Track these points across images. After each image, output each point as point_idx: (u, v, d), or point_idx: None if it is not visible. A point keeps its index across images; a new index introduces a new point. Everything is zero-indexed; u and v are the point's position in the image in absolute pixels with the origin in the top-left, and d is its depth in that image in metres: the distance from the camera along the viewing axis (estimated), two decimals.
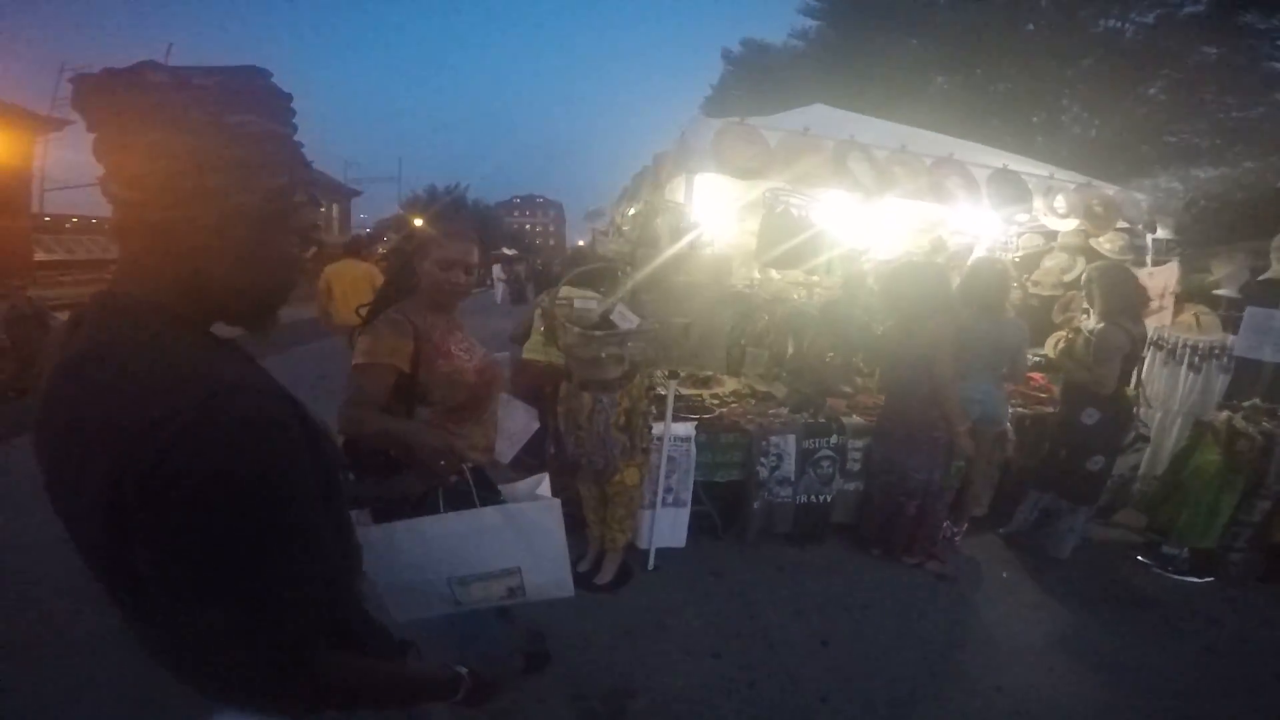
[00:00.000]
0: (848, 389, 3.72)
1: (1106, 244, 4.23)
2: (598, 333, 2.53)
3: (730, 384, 4.19)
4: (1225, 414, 3.25)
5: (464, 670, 1.06)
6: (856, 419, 3.57)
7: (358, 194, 37.83)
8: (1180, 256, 4.01)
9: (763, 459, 3.35)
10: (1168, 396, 3.83)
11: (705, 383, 4.16)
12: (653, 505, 3.20)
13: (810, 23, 19.70)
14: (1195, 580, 3.35)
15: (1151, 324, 4.01)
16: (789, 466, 3.40)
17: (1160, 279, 4.05)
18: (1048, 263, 4.56)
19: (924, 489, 3.27)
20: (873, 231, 5.33)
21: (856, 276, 4.23)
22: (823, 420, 3.49)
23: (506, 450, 2.21)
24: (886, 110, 12.87)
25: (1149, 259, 4.16)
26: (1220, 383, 3.64)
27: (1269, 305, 3.43)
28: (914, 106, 13.01)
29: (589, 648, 2.71)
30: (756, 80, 18.69)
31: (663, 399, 2.93)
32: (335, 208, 34.42)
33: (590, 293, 2.95)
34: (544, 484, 1.67)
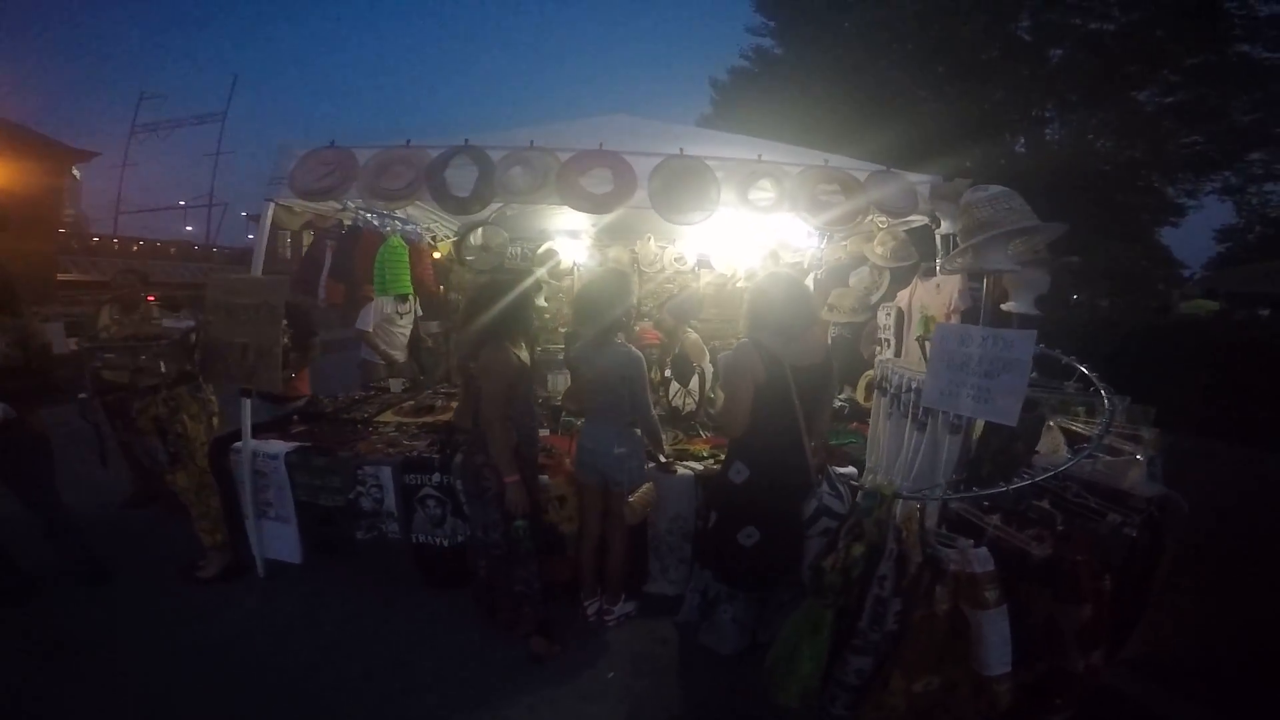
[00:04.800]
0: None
1: (878, 248, 2.94)
2: (85, 344, 2.65)
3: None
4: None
5: None
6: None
7: None
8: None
9: (360, 488, 2.97)
10: (891, 462, 2.48)
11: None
12: (255, 516, 3.05)
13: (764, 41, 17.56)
14: None
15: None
16: (391, 501, 2.98)
17: (947, 291, 2.70)
18: (852, 280, 3.30)
19: (484, 547, 2.60)
20: (733, 252, 4.55)
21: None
22: (424, 455, 2.98)
23: None
24: (858, 133, 11.02)
25: (938, 264, 2.77)
26: (949, 446, 2.23)
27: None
28: (892, 126, 11.35)
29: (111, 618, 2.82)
30: (749, 104, 16.53)
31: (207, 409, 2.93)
32: None
33: (182, 314, 3.05)
34: None
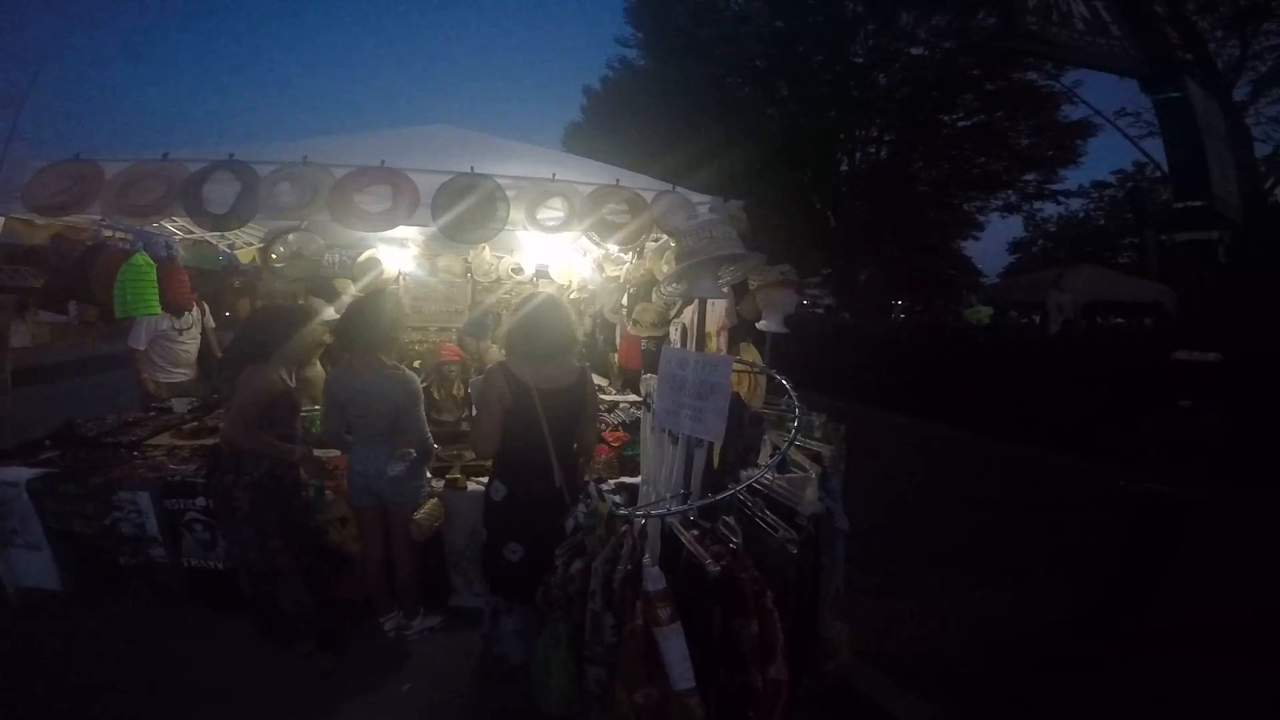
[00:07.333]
0: None
1: (665, 266, 3.09)
2: None
3: None
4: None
5: None
6: None
7: None
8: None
9: (117, 513, 2.73)
10: (655, 475, 2.64)
11: None
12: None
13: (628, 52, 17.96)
14: None
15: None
16: (153, 526, 2.75)
17: (719, 309, 2.89)
18: (655, 295, 3.44)
19: (244, 566, 2.48)
20: (570, 262, 4.55)
21: None
22: (186, 480, 2.79)
23: None
24: (709, 149, 11.54)
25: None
26: (700, 462, 2.40)
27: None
28: (743, 143, 12.15)
29: None
30: (615, 115, 17.13)
31: None
32: None
33: None
34: None
